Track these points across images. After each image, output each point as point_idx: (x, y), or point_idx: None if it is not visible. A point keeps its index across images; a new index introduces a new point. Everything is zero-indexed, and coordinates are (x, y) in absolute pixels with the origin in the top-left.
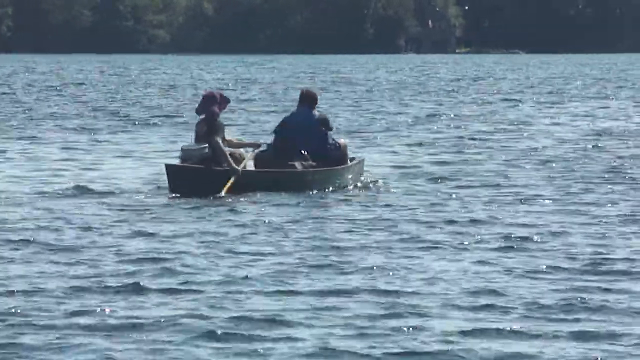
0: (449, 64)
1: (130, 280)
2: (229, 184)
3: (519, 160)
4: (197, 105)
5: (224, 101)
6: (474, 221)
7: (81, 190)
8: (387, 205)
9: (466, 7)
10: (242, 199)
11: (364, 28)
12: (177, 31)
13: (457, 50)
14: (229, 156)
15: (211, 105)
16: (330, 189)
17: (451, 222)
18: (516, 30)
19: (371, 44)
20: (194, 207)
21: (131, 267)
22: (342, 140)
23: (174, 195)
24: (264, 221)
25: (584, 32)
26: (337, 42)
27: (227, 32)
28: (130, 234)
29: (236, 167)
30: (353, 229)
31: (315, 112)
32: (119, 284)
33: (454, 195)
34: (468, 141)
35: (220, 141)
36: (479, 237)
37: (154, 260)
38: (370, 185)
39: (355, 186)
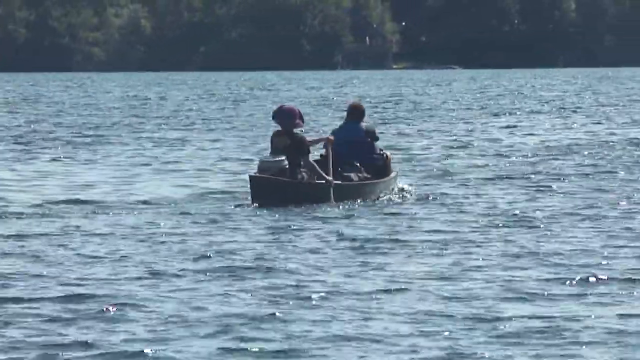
0: (369, 80)
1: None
2: (332, 195)
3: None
4: (273, 114)
5: (301, 117)
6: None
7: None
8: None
9: (403, 23)
10: (322, 210)
11: (301, 44)
12: (113, 49)
13: (394, 66)
14: (318, 173)
15: (293, 119)
16: (382, 197)
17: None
18: (453, 46)
19: (308, 60)
20: (278, 216)
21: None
22: (388, 152)
23: (255, 205)
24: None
25: (518, 48)
26: (274, 59)
27: (165, 50)
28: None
29: (330, 179)
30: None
31: (363, 124)
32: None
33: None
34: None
35: (312, 161)
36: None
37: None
38: (408, 192)
39: (398, 194)
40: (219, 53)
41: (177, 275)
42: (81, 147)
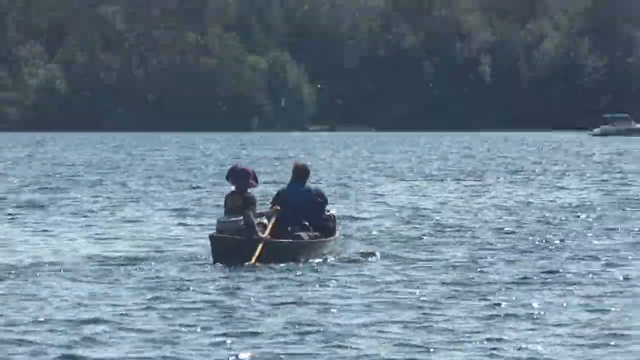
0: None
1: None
2: (257, 252)
3: None
4: (227, 174)
5: (255, 177)
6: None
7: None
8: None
9: (319, 86)
10: (273, 267)
11: (217, 106)
12: (27, 109)
13: (310, 128)
14: (256, 228)
15: (247, 179)
16: (330, 256)
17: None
18: (369, 108)
19: (224, 122)
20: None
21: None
22: (333, 211)
23: (217, 263)
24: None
25: (433, 110)
26: (189, 120)
27: (80, 110)
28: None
29: (263, 235)
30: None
31: (310, 185)
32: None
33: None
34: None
35: (251, 215)
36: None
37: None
38: (353, 251)
39: (342, 253)
40: (136, 114)
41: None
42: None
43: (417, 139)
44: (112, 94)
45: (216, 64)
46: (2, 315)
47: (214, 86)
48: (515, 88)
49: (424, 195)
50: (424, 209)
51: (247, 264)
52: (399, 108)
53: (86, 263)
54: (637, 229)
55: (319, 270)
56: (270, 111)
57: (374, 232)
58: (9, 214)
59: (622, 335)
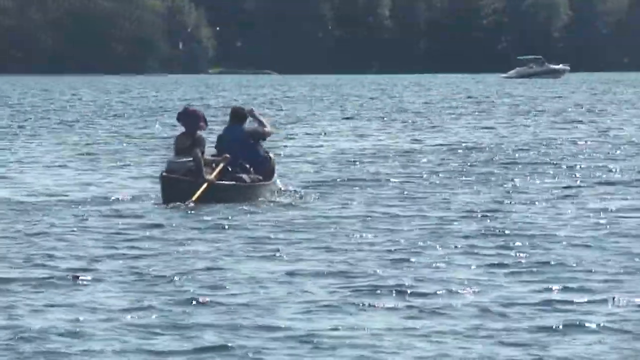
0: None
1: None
2: (199, 192)
3: None
4: (177, 115)
5: (205, 120)
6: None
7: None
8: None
9: (217, 28)
10: (214, 208)
11: (115, 48)
12: None
13: (209, 71)
14: (203, 166)
15: (197, 122)
16: (271, 198)
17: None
18: (268, 50)
19: (122, 64)
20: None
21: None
22: (271, 154)
23: (165, 204)
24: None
25: (332, 53)
26: (87, 63)
27: None
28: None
29: (209, 177)
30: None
31: (245, 126)
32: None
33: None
34: None
35: (199, 154)
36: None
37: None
38: (291, 192)
39: (281, 194)
40: (34, 58)
41: (94, 279)
42: None
43: (321, 81)
44: (10, 37)
45: (115, 6)
46: None
47: (112, 28)
48: (414, 30)
49: (348, 138)
50: (351, 152)
51: (186, 202)
52: (299, 51)
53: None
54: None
55: (260, 212)
56: (169, 54)
57: (308, 174)
58: None
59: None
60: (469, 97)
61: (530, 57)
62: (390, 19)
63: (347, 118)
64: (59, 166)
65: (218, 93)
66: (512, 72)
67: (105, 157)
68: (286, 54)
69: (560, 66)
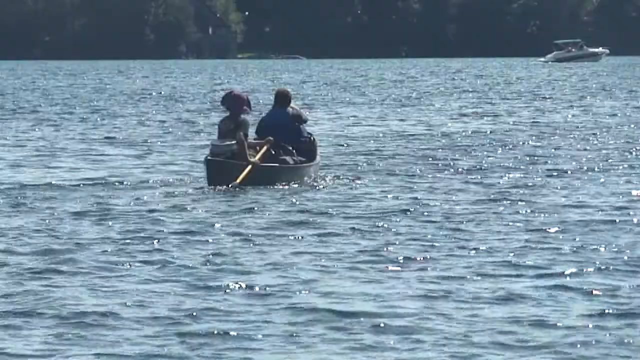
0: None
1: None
2: (244, 174)
3: None
4: (222, 99)
5: (249, 104)
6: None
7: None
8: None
9: (247, 13)
10: (258, 190)
11: (145, 33)
12: None
13: (239, 56)
14: (247, 149)
15: (241, 105)
16: (315, 180)
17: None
18: (297, 36)
19: (152, 49)
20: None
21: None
22: (314, 136)
23: (210, 186)
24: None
25: (361, 38)
26: (117, 48)
27: (6, 38)
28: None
29: (253, 159)
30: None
31: (289, 109)
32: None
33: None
34: None
35: (243, 136)
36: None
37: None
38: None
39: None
40: (62, 43)
41: (141, 261)
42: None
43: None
44: (38, 23)
45: None
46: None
47: (142, 14)
48: (442, 15)
49: (392, 120)
50: (396, 133)
51: (230, 184)
52: (327, 36)
53: (79, 194)
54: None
55: (305, 194)
56: (198, 39)
57: (352, 156)
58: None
59: None
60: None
61: (568, 41)
62: (419, 3)
63: (403, 101)
64: (100, 152)
65: (245, 78)
66: (550, 56)
67: (144, 141)
68: (315, 39)
69: (600, 49)
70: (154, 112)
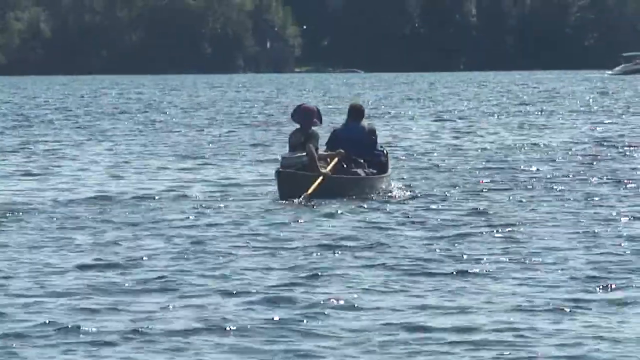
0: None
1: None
2: (314, 185)
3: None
4: (292, 112)
5: (319, 116)
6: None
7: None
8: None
9: (304, 27)
10: (333, 201)
11: (202, 47)
12: (13, 53)
13: (296, 70)
14: (317, 161)
15: (311, 118)
16: (386, 192)
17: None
18: (354, 49)
19: (210, 63)
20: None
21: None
22: (386, 149)
23: (282, 199)
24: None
25: (418, 51)
26: (175, 62)
27: (64, 53)
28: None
29: (324, 170)
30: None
31: (365, 124)
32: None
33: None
34: None
35: (313, 148)
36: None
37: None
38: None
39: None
40: (120, 56)
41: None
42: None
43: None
44: (96, 36)
45: (202, 4)
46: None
47: (199, 27)
48: (500, 27)
49: (462, 134)
50: (466, 148)
51: (302, 196)
52: (385, 49)
53: (159, 202)
54: None
55: (378, 207)
56: (256, 53)
57: (424, 169)
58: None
59: None
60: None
61: (636, 53)
62: (477, 16)
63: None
64: (161, 166)
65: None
66: (618, 69)
67: (214, 153)
68: (372, 52)
69: None
70: (223, 125)
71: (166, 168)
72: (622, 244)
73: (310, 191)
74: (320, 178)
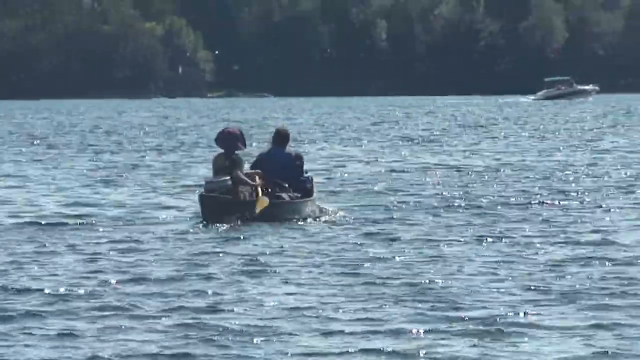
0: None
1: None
2: (263, 207)
3: None
4: (216, 137)
5: (243, 140)
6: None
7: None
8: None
9: (216, 52)
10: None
11: (114, 72)
12: None
13: (209, 94)
14: (240, 186)
15: (234, 142)
16: (312, 216)
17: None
18: (266, 74)
19: (122, 88)
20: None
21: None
22: (311, 174)
23: (205, 222)
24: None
25: (330, 76)
26: (86, 87)
27: None
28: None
29: (262, 198)
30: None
31: (290, 150)
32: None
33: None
34: None
35: (241, 174)
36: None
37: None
38: (330, 210)
39: (322, 212)
40: (31, 82)
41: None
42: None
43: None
44: (8, 62)
45: (114, 30)
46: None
47: (110, 53)
48: (411, 52)
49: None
50: (386, 172)
51: (247, 214)
52: (295, 74)
53: (62, 225)
54: None
55: (302, 229)
56: (169, 78)
57: (345, 194)
58: None
59: None
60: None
61: (558, 78)
62: (387, 41)
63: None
64: (84, 186)
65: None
66: (540, 94)
67: (134, 177)
68: (283, 77)
69: (590, 87)
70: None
71: (86, 193)
72: (538, 268)
73: (257, 211)
74: (265, 201)
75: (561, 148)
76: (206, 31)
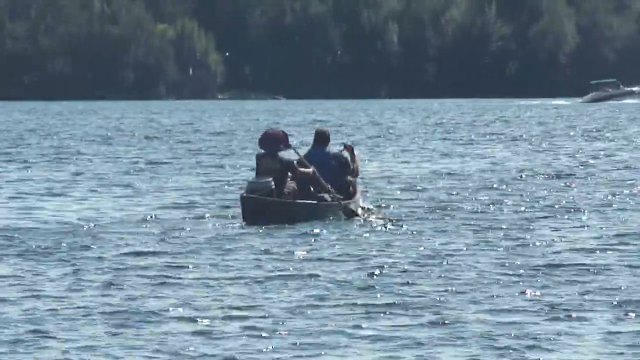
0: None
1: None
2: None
3: None
4: (260, 138)
5: (287, 140)
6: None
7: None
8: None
9: (227, 54)
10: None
11: (124, 74)
12: None
13: (219, 97)
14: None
15: (278, 144)
16: (351, 217)
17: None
18: (277, 76)
19: (131, 90)
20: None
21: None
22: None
23: (246, 224)
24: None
25: (341, 79)
26: (96, 88)
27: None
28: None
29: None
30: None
31: (330, 149)
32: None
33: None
34: None
35: (294, 185)
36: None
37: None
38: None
39: (368, 211)
40: (42, 83)
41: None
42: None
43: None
44: (18, 63)
45: (124, 32)
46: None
47: (121, 55)
48: (422, 56)
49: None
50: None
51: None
52: (307, 76)
53: (118, 227)
54: None
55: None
56: (179, 80)
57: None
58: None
59: None
60: None
61: (604, 80)
62: (399, 45)
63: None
64: (99, 192)
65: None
66: (587, 97)
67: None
68: (294, 79)
69: (637, 88)
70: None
71: (113, 195)
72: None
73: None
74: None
75: None
76: (217, 33)
